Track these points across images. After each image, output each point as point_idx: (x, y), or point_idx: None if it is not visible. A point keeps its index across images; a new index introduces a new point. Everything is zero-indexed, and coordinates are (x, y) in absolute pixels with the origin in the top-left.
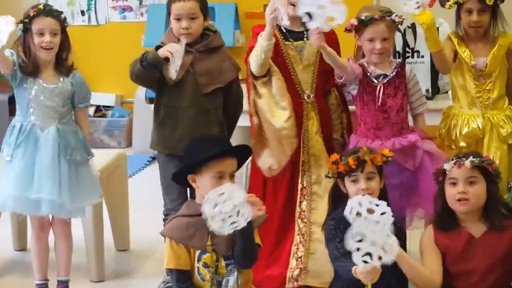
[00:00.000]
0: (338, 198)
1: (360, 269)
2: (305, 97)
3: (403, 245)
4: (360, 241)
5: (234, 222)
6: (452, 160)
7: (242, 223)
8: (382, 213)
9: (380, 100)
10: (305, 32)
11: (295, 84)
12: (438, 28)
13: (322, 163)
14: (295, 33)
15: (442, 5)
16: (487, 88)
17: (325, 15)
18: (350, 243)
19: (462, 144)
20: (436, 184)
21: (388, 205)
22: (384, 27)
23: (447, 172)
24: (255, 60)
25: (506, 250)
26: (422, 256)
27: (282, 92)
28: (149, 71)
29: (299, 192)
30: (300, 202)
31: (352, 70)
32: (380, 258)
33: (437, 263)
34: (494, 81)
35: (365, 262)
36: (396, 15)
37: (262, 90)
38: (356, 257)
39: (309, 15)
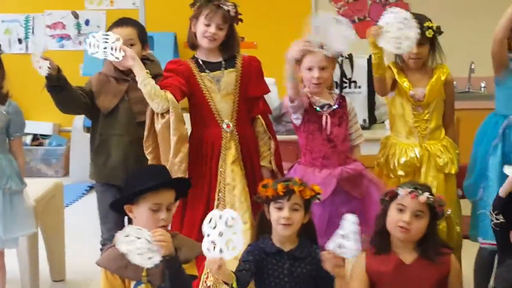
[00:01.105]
0: (264, 226)
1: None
2: (224, 127)
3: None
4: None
5: (151, 258)
6: (408, 188)
7: (156, 260)
8: None
9: (328, 129)
10: (222, 62)
11: (213, 114)
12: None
13: (236, 193)
14: (211, 64)
15: None
16: (425, 118)
17: None
18: (205, 227)
19: (400, 173)
20: (381, 203)
21: (315, 240)
22: (322, 56)
23: (398, 197)
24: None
25: (435, 283)
26: (350, 283)
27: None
28: (52, 91)
29: None
30: None
31: (302, 96)
32: (221, 251)
33: None
34: (431, 112)
35: (208, 250)
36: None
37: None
38: (204, 242)
39: None
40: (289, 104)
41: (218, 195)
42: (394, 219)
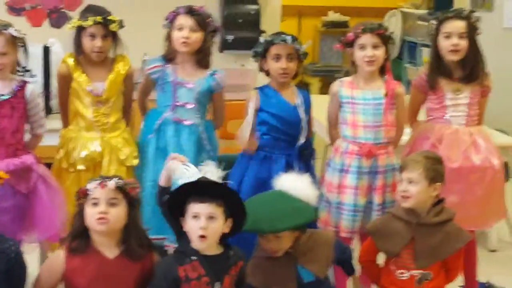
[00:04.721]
0: None
1: None
2: None
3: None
4: None
5: None
6: (97, 180)
7: None
8: None
9: None
10: None
11: None
12: (49, 47)
13: None
14: None
15: (55, 26)
16: (105, 112)
17: None
18: None
19: (81, 167)
20: (76, 206)
21: None
22: (4, 41)
23: (89, 193)
24: None
25: (137, 279)
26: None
27: None
28: None
29: None
30: None
31: None
32: None
33: None
34: (112, 106)
35: None
36: (16, 30)
37: None
38: None
39: None
40: None
41: None
42: (91, 213)
